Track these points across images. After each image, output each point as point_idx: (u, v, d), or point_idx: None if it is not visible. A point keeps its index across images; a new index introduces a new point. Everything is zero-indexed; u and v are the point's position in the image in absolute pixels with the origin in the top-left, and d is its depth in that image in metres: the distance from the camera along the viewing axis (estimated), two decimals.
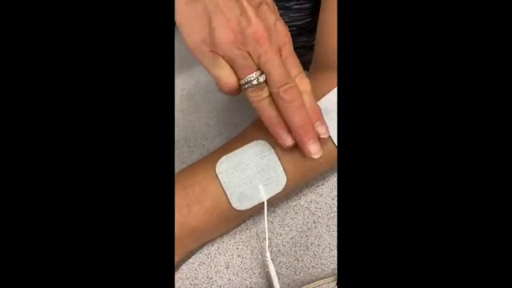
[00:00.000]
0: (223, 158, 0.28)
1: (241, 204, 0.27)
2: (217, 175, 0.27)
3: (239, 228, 0.31)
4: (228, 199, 0.27)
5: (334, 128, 0.28)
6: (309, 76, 0.35)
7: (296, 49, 0.47)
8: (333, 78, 0.30)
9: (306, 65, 0.49)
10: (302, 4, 0.42)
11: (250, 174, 0.27)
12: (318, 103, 0.28)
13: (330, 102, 0.28)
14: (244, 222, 0.31)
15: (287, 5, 0.42)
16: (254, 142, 0.28)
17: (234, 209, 0.27)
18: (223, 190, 0.27)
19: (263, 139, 0.28)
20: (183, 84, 0.46)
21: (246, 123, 0.40)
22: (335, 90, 0.29)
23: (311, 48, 0.48)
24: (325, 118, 0.27)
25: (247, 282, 0.28)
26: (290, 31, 0.44)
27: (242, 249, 0.30)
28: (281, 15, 0.43)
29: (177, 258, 0.28)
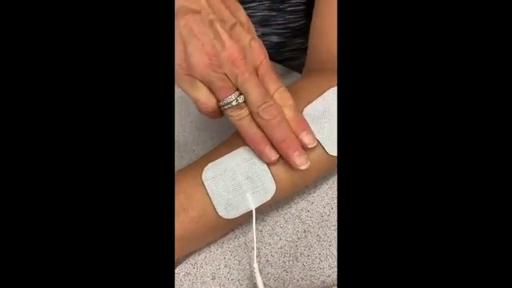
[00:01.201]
0: (210, 164, 0.27)
1: (227, 213, 0.26)
2: (203, 183, 0.26)
3: (227, 237, 0.30)
4: (214, 208, 0.26)
5: (324, 134, 0.27)
6: (302, 78, 0.34)
7: (291, 51, 0.46)
8: (326, 80, 0.29)
9: (301, 67, 0.48)
10: (296, 6, 0.41)
11: (237, 181, 0.26)
12: (305, 110, 0.27)
13: (317, 109, 0.28)
14: (232, 230, 0.30)
15: (281, 7, 0.42)
16: (242, 147, 0.27)
17: (220, 217, 0.26)
18: (209, 198, 0.26)
19: None
20: (176, 87, 0.45)
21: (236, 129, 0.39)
22: (323, 96, 0.28)
23: (306, 50, 0.47)
24: (314, 125, 0.27)
25: None
26: (285, 33, 0.44)
27: (230, 259, 0.28)
28: (275, 17, 0.43)
29: None
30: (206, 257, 0.29)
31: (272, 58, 0.46)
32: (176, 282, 0.28)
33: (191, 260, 0.29)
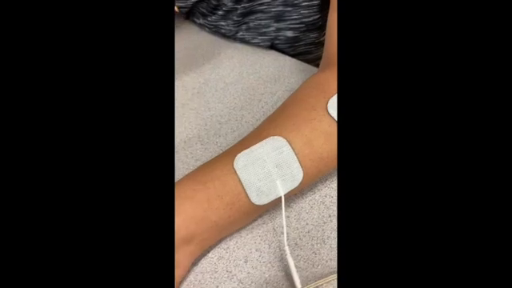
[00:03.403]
0: (241, 154, 0.28)
1: (259, 199, 0.28)
2: (235, 171, 0.28)
3: (256, 223, 0.31)
4: (247, 194, 0.27)
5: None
6: (323, 71, 0.36)
7: (306, 45, 0.48)
8: None
9: (315, 61, 0.50)
10: (311, 1, 0.42)
11: (267, 169, 0.28)
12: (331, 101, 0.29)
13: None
14: (261, 216, 0.32)
15: (296, 2, 0.43)
16: (271, 137, 0.29)
17: (252, 204, 0.28)
18: (242, 186, 0.28)
19: (279, 135, 0.29)
20: (193, 83, 0.47)
21: (257, 121, 0.41)
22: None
23: (320, 44, 0.48)
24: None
25: (266, 275, 0.28)
26: (300, 28, 0.45)
27: (260, 243, 0.30)
28: (290, 12, 0.44)
29: (196, 253, 0.29)
30: (237, 242, 0.30)
31: (286, 52, 0.48)
32: (210, 266, 0.29)
33: (223, 245, 0.30)
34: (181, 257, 0.27)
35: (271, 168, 0.28)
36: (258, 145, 0.29)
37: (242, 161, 0.28)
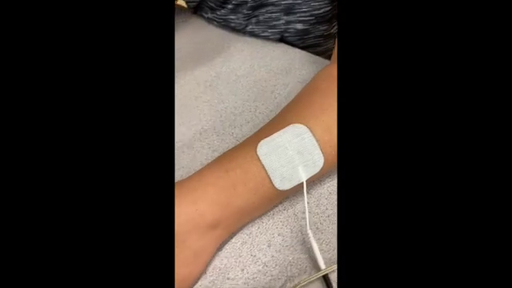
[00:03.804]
0: (263, 141, 0.29)
1: (283, 185, 0.29)
2: (258, 158, 0.29)
3: (277, 209, 0.32)
4: (271, 180, 0.28)
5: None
6: (332, 63, 0.36)
7: (315, 37, 0.48)
8: None
9: (324, 53, 0.51)
10: None
11: (289, 156, 0.29)
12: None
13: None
14: (281, 203, 0.33)
15: None
16: (292, 125, 0.29)
17: (276, 189, 0.29)
18: (265, 172, 0.28)
19: (300, 122, 0.29)
20: (205, 76, 0.48)
21: (271, 112, 0.42)
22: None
23: (330, 36, 0.49)
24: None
25: (290, 258, 0.29)
26: (310, 20, 0.46)
27: (282, 228, 0.31)
28: (300, 5, 0.45)
29: (222, 238, 0.29)
30: (259, 227, 0.31)
31: (296, 45, 0.49)
32: (234, 251, 0.30)
33: (246, 231, 0.31)
34: (207, 242, 0.28)
35: (293, 154, 0.29)
36: (279, 132, 0.29)
37: (264, 148, 0.29)
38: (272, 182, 0.28)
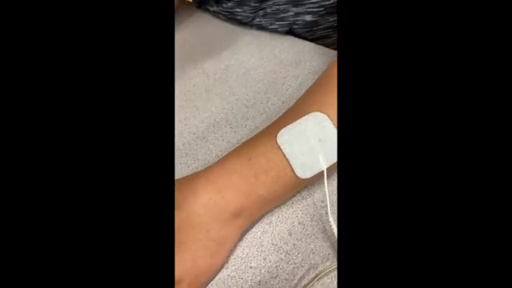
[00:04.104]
0: (283, 129, 0.29)
1: (304, 173, 0.29)
2: (279, 146, 0.29)
3: (295, 198, 0.32)
4: (292, 169, 0.28)
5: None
6: None
7: (324, 29, 0.48)
8: None
9: (333, 45, 0.51)
10: None
11: (310, 144, 0.29)
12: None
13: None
14: (299, 192, 0.33)
15: None
16: (312, 114, 0.30)
17: (297, 177, 0.29)
18: (286, 160, 0.28)
19: (319, 111, 0.30)
20: (214, 69, 0.47)
21: (283, 104, 0.42)
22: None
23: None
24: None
25: (312, 246, 0.29)
26: (319, 12, 0.46)
27: (302, 216, 0.31)
28: None
29: (244, 227, 0.29)
30: (278, 217, 0.31)
31: (304, 37, 0.49)
32: (255, 240, 0.30)
33: (266, 220, 0.31)
34: (230, 230, 0.28)
35: (314, 143, 0.29)
36: (299, 121, 0.29)
37: (285, 136, 0.29)
38: (293, 171, 0.28)
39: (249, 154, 0.29)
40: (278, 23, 0.48)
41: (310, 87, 0.34)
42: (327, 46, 0.47)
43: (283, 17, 0.47)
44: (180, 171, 0.36)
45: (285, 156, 0.28)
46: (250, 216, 0.29)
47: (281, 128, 0.30)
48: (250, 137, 0.33)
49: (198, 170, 0.35)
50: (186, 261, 0.27)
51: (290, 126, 0.29)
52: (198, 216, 0.27)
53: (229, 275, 0.29)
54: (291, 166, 0.28)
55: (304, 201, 0.32)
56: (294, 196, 0.32)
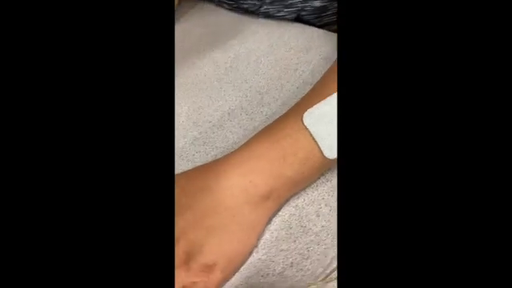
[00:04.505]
0: (309, 110, 0.29)
1: (332, 153, 0.29)
2: (306, 127, 0.29)
3: (320, 181, 0.32)
4: (320, 149, 0.28)
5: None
6: None
7: (332, 15, 0.48)
8: None
9: None
10: None
11: (335, 124, 0.29)
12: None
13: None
14: (323, 174, 0.33)
15: None
16: (335, 94, 0.29)
17: (325, 158, 0.28)
18: (314, 141, 0.28)
19: None
20: (223, 58, 0.47)
21: (297, 89, 0.42)
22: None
23: None
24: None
25: None
26: None
27: (328, 198, 0.31)
28: None
29: (272, 210, 0.29)
30: (304, 199, 0.31)
31: (312, 23, 0.49)
32: (283, 223, 0.30)
33: (292, 203, 0.31)
34: (259, 213, 0.28)
35: None
36: (324, 101, 0.29)
37: (311, 117, 0.29)
38: (321, 151, 0.28)
39: (275, 137, 0.29)
40: (285, 10, 0.48)
41: (330, 69, 0.34)
42: (335, 32, 0.47)
43: (291, 3, 0.47)
44: (199, 159, 0.36)
45: (312, 137, 0.28)
46: (279, 198, 0.29)
47: (305, 109, 0.29)
48: (268, 123, 0.32)
49: (218, 157, 0.35)
50: (218, 246, 0.26)
51: (315, 107, 0.29)
52: (228, 199, 0.27)
53: (259, 259, 0.29)
54: (319, 147, 0.28)
55: (329, 183, 0.32)
56: (319, 178, 0.32)
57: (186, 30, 0.53)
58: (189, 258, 0.26)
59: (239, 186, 0.27)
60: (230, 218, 0.27)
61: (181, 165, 0.36)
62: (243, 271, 0.28)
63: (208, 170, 0.29)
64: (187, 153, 0.37)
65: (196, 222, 0.27)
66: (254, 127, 0.38)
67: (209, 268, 0.26)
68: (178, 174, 0.31)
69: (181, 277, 0.25)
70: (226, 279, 0.27)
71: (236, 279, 0.28)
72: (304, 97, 0.32)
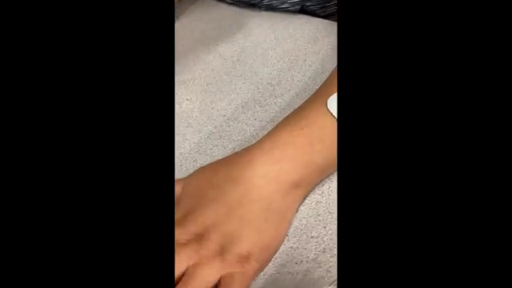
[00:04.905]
0: (333, 95, 0.29)
1: None
2: (331, 113, 0.29)
3: None
4: None
5: None
6: None
7: (336, 4, 0.49)
8: None
9: None
10: None
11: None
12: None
13: None
14: None
15: None
16: None
17: None
18: None
19: None
20: (230, 52, 0.47)
21: (309, 79, 0.42)
22: None
23: None
24: None
25: None
26: None
27: None
28: None
29: (302, 197, 0.29)
30: (329, 187, 0.31)
31: (317, 14, 0.49)
32: (311, 211, 0.30)
33: (317, 191, 0.31)
34: (290, 201, 0.28)
35: None
36: None
37: (335, 103, 0.29)
38: None
39: (300, 124, 0.29)
40: (289, 1, 0.48)
41: None
42: None
43: None
44: (217, 153, 0.36)
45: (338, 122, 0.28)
46: (309, 185, 0.29)
47: (327, 95, 0.29)
48: (283, 114, 0.33)
49: (236, 150, 0.35)
50: (252, 236, 0.26)
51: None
52: (258, 189, 0.27)
53: (291, 247, 0.29)
54: None
55: None
56: None
57: (188, 26, 0.52)
58: (223, 249, 0.26)
59: (269, 174, 0.27)
60: (262, 207, 0.27)
61: (199, 159, 0.36)
62: (277, 259, 0.28)
63: (235, 161, 0.29)
64: (204, 147, 0.37)
65: (228, 214, 0.26)
66: (270, 118, 0.38)
67: (244, 258, 0.26)
68: (201, 168, 0.31)
69: (216, 268, 0.25)
70: (261, 268, 0.27)
71: (270, 268, 0.28)
72: (324, 83, 0.32)
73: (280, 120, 0.32)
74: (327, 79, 0.32)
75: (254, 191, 0.27)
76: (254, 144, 0.29)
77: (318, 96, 0.30)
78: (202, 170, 0.30)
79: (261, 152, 0.28)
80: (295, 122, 0.29)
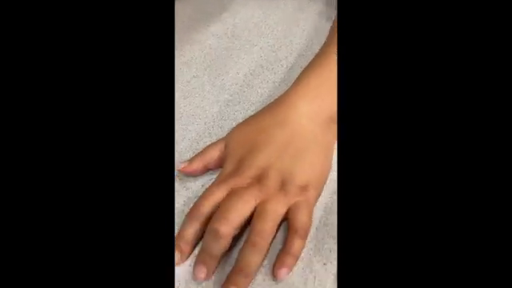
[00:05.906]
0: None
1: None
2: None
3: None
4: None
5: None
6: None
7: None
8: None
9: None
10: None
11: None
12: None
13: None
14: None
15: None
16: None
17: None
18: None
19: None
20: (222, 29, 0.48)
21: (309, 42, 0.45)
22: None
23: None
24: None
25: None
26: None
27: None
28: None
29: (336, 131, 0.32)
30: None
31: None
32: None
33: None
34: (330, 134, 0.31)
35: None
36: None
37: None
38: None
39: (329, 66, 0.32)
40: None
41: None
42: None
43: None
44: (241, 116, 0.38)
45: None
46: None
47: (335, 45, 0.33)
48: (293, 73, 0.36)
49: (254, 113, 0.37)
50: (307, 167, 0.29)
51: None
52: (303, 126, 0.29)
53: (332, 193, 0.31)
54: None
55: None
56: None
57: (176, 12, 0.53)
58: (283, 184, 0.28)
59: (311, 111, 0.30)
60: (310, 141, 0.29)
61: (225, 125, 0.37)
62: (329, 187, 0.31)
63: (275, 107, 0.31)
64: (227, 114, 0.38)
65: (280, 152, 0.29)
66: (281, 79, 0.40)
67: (304, 188, 0.28)
68: (239, 124, 0.33)
69: (282, 201, 0.27)
70: (319, 195, 0.29)
71: (324, 197, 0.30)
72: (329, 34, 0.35)
73: (291, 79, 0.35)
74: (330, 32, 0.35)
75: (300, 130, 0.29)
76: (287, 91, 0.32)
77: (329, 45, 0.34)
78: (241, 125, 0.32)
79: (297, 96, 0.31)
80: (321, 67, 0.32)
